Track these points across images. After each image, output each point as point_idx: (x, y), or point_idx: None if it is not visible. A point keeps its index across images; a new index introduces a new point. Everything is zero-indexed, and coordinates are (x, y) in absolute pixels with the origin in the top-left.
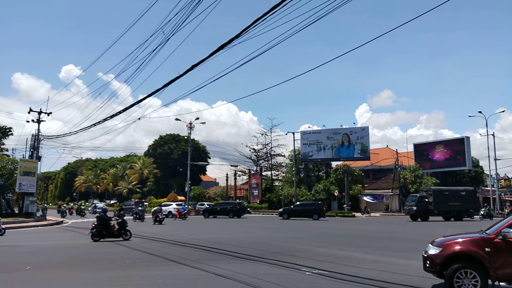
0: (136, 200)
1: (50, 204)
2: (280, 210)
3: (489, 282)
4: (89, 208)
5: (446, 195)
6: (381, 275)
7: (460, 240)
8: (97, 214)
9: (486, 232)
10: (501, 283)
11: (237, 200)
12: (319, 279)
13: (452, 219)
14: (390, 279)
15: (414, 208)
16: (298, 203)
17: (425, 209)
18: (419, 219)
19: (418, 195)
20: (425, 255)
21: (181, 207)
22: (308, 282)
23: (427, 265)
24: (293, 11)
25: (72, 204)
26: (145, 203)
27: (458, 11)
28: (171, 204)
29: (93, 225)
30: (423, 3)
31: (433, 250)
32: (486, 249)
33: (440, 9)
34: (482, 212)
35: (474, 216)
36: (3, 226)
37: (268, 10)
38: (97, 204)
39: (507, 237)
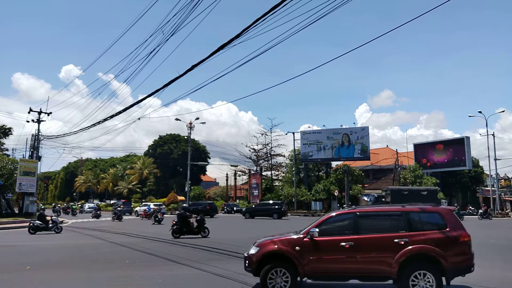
0: (124, 200)
1: (51, 204)
2: (243, 209)
3: (298, 279)
4: (86, 208)
5: (405, 195)
6: None
7: (275, 240)
8: (151, 211)
9: (300, 232)
10: (308, 280)
11: (219, 201)
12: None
13: None
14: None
15: None
16: (260, 202)
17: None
18: None
19: (376, 195)
20: (246, 255)
21: (146, 207)
22: (308, 282)
23: (246, 264)
24: (293, 11)
25: (65, 204)
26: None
27: (458, 11)
28: (149, 204)
29: (174, 223)
30: (423, 3)
31: (252, 250)
32: (296, 248)
33: (440, 9)
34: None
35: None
36: (61, 225)
37: (268, 10)
38: (86, 204)
39: (314, 236)
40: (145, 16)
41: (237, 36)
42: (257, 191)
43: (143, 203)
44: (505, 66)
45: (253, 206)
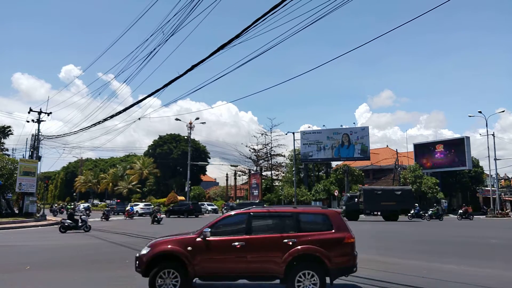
0: (118, 201)
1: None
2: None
3: (195, 280)
4: (81, 207)
5: (378, 195)
6: (381, 275)
7: (169, 239)
8: (151, 211)
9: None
10: (198, 280)
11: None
12: None
13: (403, 218)
14: (390, 279)
15: (343, 207)
16: (179, 202)
17: (354, 208)
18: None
19: (349, 194)
20: (137, 256)
21: (130, 207)
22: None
23: (137, 265)
24: (293, 11)
25: (61, 204)
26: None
27: (458, 11)
28: (138, 204)
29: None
30: (423, 3)
31: (143, 251)
32: (189, 248)
33: (440, 9)
34: (430, 212)
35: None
36: (89, 224)
37: (268, 10)
38: (81, 205)
39: (206, 236)
40: (145, 16)
41: (237, 36)
42: (257, 191)
43: (134, 203)
44: (505, 66)
45: (171, 206)
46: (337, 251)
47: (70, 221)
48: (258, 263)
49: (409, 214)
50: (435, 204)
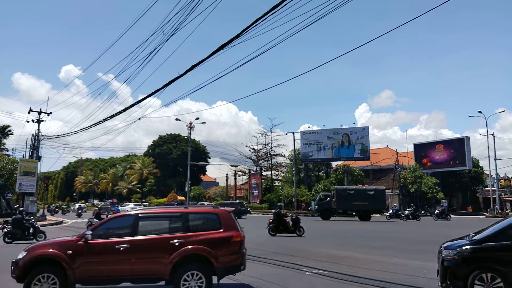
0: (112, 200)
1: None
2: None
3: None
4: (76, 207)
5: (351, 195)
6: (381, 275)
7: (49, 243)
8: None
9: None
10: (77, 285)
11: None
12: (319, 279)
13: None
14: (390, 279)
15: (316, 207)
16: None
17: (326, 208)
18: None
19: (322, 194)
20: (13, 260)
21: (115, 208)
22: (309, 282)
23: (12, 270)
24: (293, 11)
25: (56, 204)
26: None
27: (458, 11)
28: (128, 204)
29: (270, 221)
30: (423, 3)
31: (20, 255)
32: (69, 251)
33: (440, 9)
34: (406, 212)
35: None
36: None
37: (268, 10)
38: (77, 204)
39: (88, 239)
40: (145, 16)
41: (237, 36)
42: (257, 191)
43: (124, 203)
44: (505, 66)
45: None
46: (225, 250)
47: (97, 220)
48: (143, 265)
49: (387, 214)
50: (411, 204)
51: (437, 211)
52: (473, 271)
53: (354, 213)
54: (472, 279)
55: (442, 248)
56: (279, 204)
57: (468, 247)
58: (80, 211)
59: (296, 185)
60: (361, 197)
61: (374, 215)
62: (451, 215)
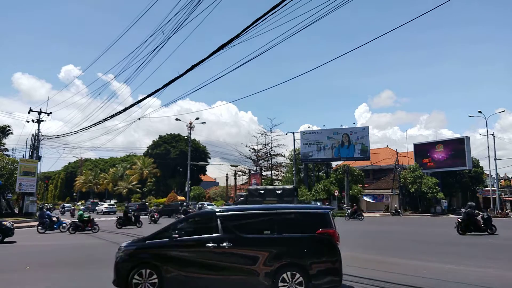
0: (93, 200)
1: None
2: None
3: None
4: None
5: (261, 194)
6: (381, 275)
7: None
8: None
9: None
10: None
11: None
12: None
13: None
14: (390, 279)
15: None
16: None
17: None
18: None
19: (239, 194)
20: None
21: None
22: None
23: None
24: (293, 11)
25: (50, 204)
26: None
27: (459, 11)
28: (103, 204)
29: (459, 220)
30: (423, 3)
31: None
32: None
33: (441, 9)
34: (348, 211)
35: None
36: (141, 221)
37: (268, 10)
38: (65, 204)
39: None
40: (145, 16)
41: (237, 36)
42: None
43: (108, 203)
44: (505, 67)
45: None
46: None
47: (125, 218)
48: None
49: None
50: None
51: (349, 210)
52: (134, 267)
53: None
54: (133, 274)
55: (121, 246)
56: (470, 203)
57: (134, 244)
58: (63, 211)
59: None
60: (270, 196)
61: None
62: (364, 215)
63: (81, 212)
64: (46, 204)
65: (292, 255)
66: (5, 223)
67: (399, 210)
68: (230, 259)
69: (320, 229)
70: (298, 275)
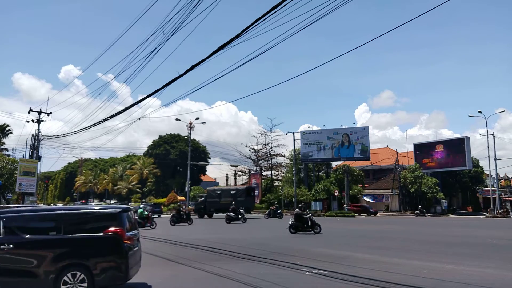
0: (83, 201)
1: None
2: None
3: None
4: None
5: (218, 195)
6: (381, 275)
7: None
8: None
9: None
10: None
11: None
12: (319, 279)
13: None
14: (390, 279)
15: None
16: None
17: (200, 207)
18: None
19: (201, 195)
20: None
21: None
22: (309, 282)
23: None
24: (293, 11)
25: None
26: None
27: (459, 10)
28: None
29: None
30: (423, 3)
31: None
32: None
33: (441, 8)
34: (268, 211)
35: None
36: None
37: (268, 10)
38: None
39: None
40: (145, 16)
41: (237, 36)
42: (257, 191)
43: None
44: (505, 66)
45: None
46: None
47: (179, 215)
48: None
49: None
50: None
51: (269, 210)
52: None
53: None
54: None
55: None
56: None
57: None
58: None
59: (296, 185)
60: (226, 196)
61: (247, 214)
62: (283, 214)
63: (141, 209)
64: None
65: (77, 255)
66: None
67: (424, 211)
68: (11, 261)
69: (108, 229)
70: (79, 274)
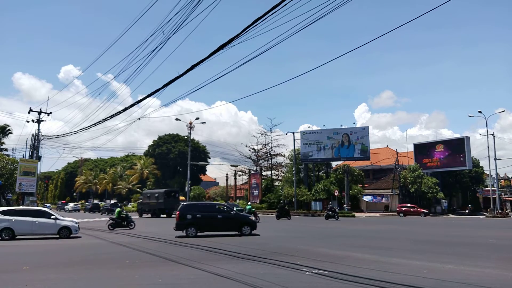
0: (63, 201)
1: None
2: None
3: None
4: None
5: (148, 197)
6: (381, 275)
7: None
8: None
9: None
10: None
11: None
12: (319, 279)
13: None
14: (390, 279)
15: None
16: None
17: (140, 208)
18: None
19: (142, 197)
20: None
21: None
22: (308, 282)
23: None
24: (293, 11)
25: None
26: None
27: (458, 11)
28: (69, 204)
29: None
30: (423, 3)
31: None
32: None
33: (440, 9)
34: (167, 211)
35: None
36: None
37: (268, 10)
38: (46, 205)
39: None
40: (145, 16)
41: (237, 36)
42: (257, 191)
43: (74, 203)
44: (505, 66)
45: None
46: None
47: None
48: None
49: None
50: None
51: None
52: None
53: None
54: None
55: None
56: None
57: None
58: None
59: (296, 185)
60: (152, 198)
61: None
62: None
63: (119, 209)
64: (47, 205)
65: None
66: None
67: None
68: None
69: None
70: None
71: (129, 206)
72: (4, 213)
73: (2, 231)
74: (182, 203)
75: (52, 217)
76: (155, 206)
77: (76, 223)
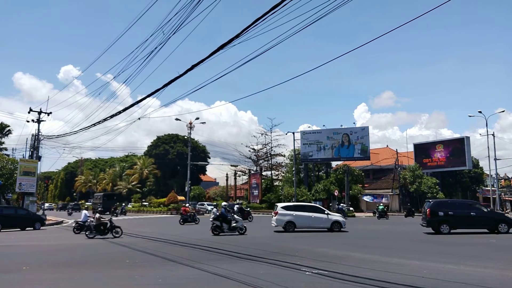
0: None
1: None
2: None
3: None
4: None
5: (98, 198)
6: (381, 275)
7: None
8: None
9: None
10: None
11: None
12: (319, 279)
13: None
14: (390, 279)
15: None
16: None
17: (99, 210)
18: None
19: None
20: None
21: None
22: (309, 282)
23: None
24: (293, 11)
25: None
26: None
27: (458, 11)
28: (45, 204)
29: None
30: (423, 3)
31: None
32: None
33: (440, 9)
34: (117, 211)
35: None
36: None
37: (268, 10)
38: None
39: None
40: (145, 16)
41: (237, 36)
42: (257, 191)
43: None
44: (505, 66)
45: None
46: None
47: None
48: None
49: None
50: (120, 203)
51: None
52: None
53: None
54: None
55: None
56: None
57: None
58: (70, 211)
59: (296, 185)
60: (98, 199)
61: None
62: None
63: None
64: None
65: None
66: None
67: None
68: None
69: None
70: None
71: (129, 206)
72: (286, 208)
73: (287, 224)
74: (429, 200)
75: (325, 212)
76: (98, 206)
77: (344, 218)
